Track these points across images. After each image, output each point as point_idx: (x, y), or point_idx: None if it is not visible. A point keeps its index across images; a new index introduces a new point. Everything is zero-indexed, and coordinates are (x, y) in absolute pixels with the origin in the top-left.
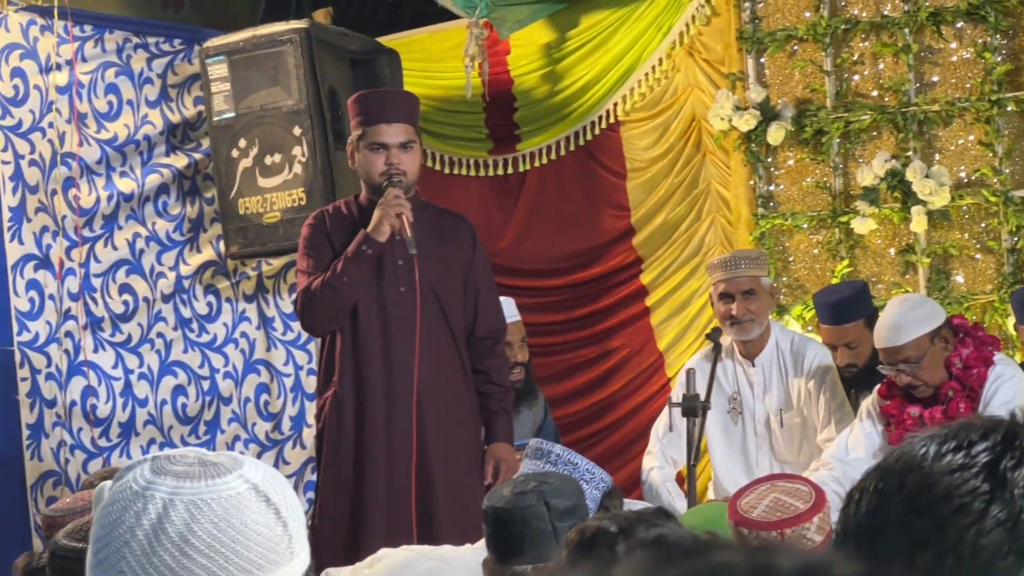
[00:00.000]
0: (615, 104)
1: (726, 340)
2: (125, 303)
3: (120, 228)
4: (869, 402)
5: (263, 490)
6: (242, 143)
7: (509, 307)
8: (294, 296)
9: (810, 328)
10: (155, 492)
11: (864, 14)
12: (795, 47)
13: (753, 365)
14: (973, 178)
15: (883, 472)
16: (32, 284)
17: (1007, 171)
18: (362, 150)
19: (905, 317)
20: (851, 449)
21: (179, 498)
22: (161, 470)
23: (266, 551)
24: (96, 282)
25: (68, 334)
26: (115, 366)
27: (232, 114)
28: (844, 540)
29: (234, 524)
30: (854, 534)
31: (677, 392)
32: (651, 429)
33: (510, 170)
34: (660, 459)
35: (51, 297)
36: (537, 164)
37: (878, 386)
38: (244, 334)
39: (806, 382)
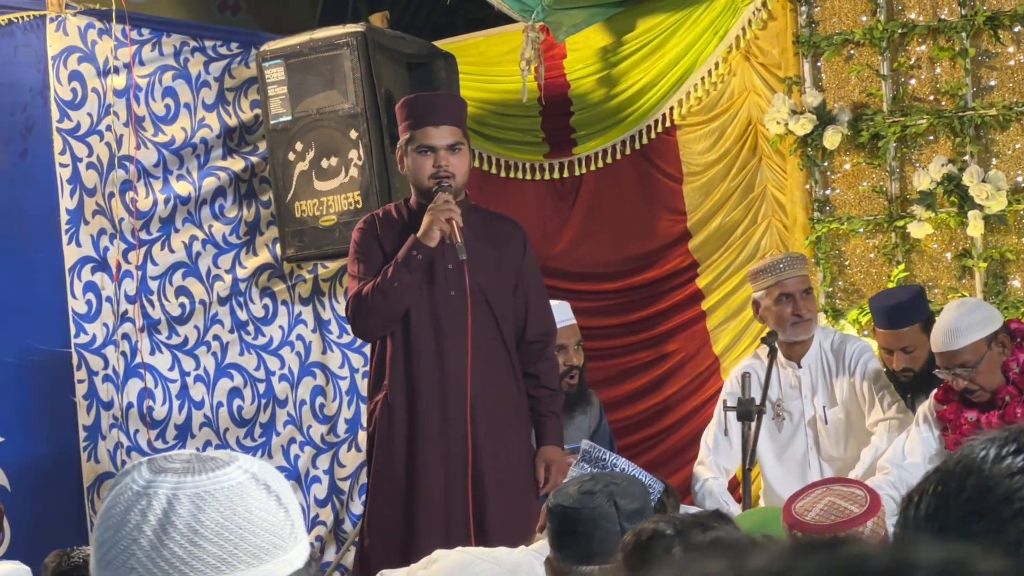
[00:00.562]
0: (671, 108)
1: (765, 349)
2: (182, 305)
3: (177, 231)
4: (926, 407)
5: (262, 479)
6: (298, 146)
7: (564, 311)
8: (346, 301)
9: (866, 332)
10: (158, 489)
11: (921, 18)
12: (852, 51)
13: (799, 367)
14: None
15: (943, 475)
16: (89, 286)
17: None
18: (410, 154)
19: (962, 321)
20: (907, 454)
21: (183, 492)
22: (160, 469)
23: (272, 536)
24: (153, 284)
25: (125, 336)
26: (171, 368)
27: (289, 117)
28: None
29: (239, 512)
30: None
31: (731, 396)
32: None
33: (566, 174)
34: (714, 469)
35: (108, 299)
36: (593, 168)
37: (935, 391)
38: (300, 337)
39: (848, 376)
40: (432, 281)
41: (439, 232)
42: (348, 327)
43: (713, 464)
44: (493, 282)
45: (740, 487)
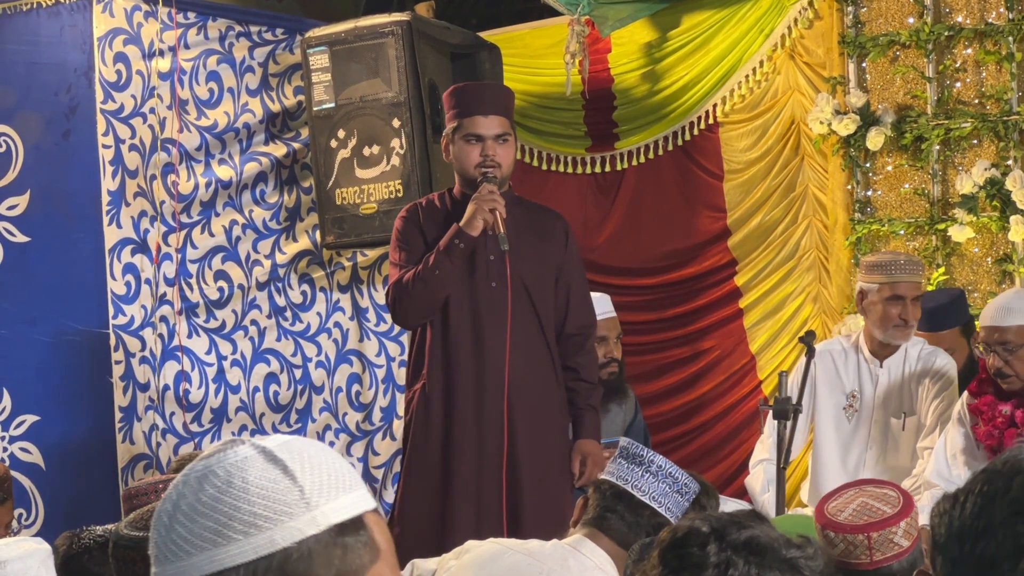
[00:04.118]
0: (714, 105)
1: (851, 337)
2: (220, 290)
3: (217, 215)
4: (959, 407)
5: (271, 450)
6: (341, 134)
7: (605, 303)
8: (386, 288)
9: None
10: (179, 476)
11: (968, 21)
12: (897, 53)
13: (881, 366)
14: None
15: (990, 475)
16: (129, 268)
17: None
18: (457, 142)
19: (1017, 303)
20: (951, 464)
21: (193, 474)
22: (198, 458)
23: (272, 503)
24: (192, 268)
25: (163, 319)
26: (208, 352)
27: (332, 104)
28: (948, 541)
29: (236, 484)
30: (958, 535)
31: (792, 389)
32: (742, 431)
33: (607, 168)
34: (772, 450)
35: (147, 281)
36: (635, 163)
37: (970, 384)
38: (337, 324)
39: (930, 387)
40: (473, 271)
41: (482, 222)
42: (386, 315)
43: (772, 446)
44: (534, 274)
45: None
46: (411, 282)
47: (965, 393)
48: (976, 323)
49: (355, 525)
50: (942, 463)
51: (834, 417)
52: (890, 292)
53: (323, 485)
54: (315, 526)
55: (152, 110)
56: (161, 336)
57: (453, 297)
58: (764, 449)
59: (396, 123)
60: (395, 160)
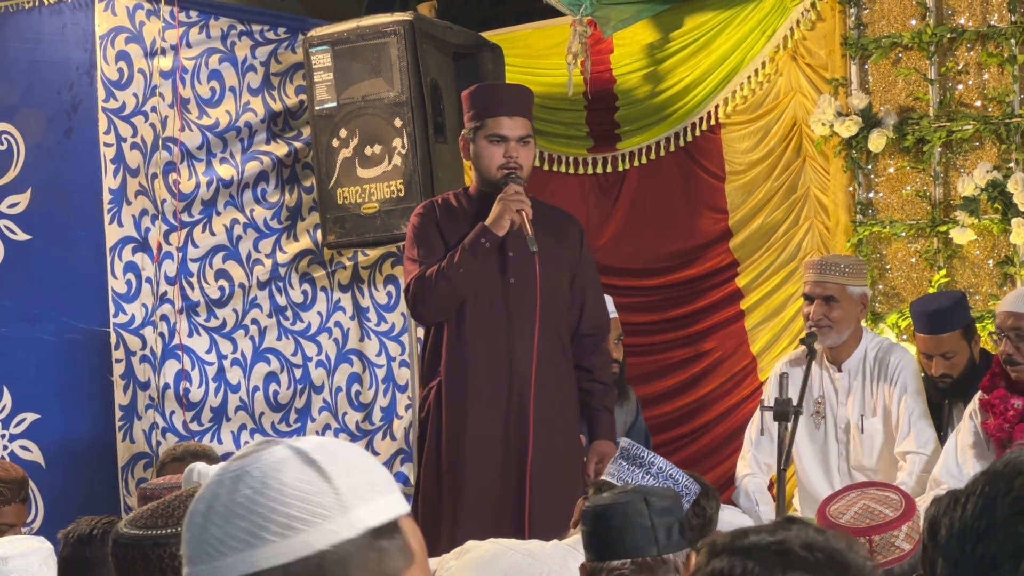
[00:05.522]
0: (716, 106)
1: (819, 345)
2: (221, 288)
3: (218, 214)
4: (971, 408)
5: (307, 452)
6: (343, 133)
7: (606, 304)
8: (405, 283)
9: (904, 337)
10: (212, 478)
11: (970, 23)
12: (899, 54)
13: (839, 371)
14: None
15: (991, 476)
16: (130, 266)
17: None
18: (479, 141)
19: None
20: (961, 464)
21: (228, 475)
22: (232, 458)
23: (307, 506)
24: (193, 267)
25: (164, 317)
26: (209, 351)
27: (334, 104)
28: (949, 541)
29: (271, 485)
30: (959, 536)
31: (769, 395)
32: (742, 433)
33: (609, 169)
34: (753, 465)
35: (148, 280)
36: (636, 164)
37: (982, 381)
38: (338, 323)
39: (889, 388)
40: (492, 269)
41: (509, 222)
42: (387, 315)
43: (753, 460)
44: (550, 273)
45: (775, 486)
46: (435, 278)
47: (979, 391)
48: (977, 326)
49: (390, 529)
50: (951, 460)
51: (806, 426)
52: (806, 291)
53: (359, 488)
54: (351, 529)
55: (154, 108)
56: (162, 335)
57: (470, 294)
58: (746, 464)
59: (398, 123)
60: (397, 160)
